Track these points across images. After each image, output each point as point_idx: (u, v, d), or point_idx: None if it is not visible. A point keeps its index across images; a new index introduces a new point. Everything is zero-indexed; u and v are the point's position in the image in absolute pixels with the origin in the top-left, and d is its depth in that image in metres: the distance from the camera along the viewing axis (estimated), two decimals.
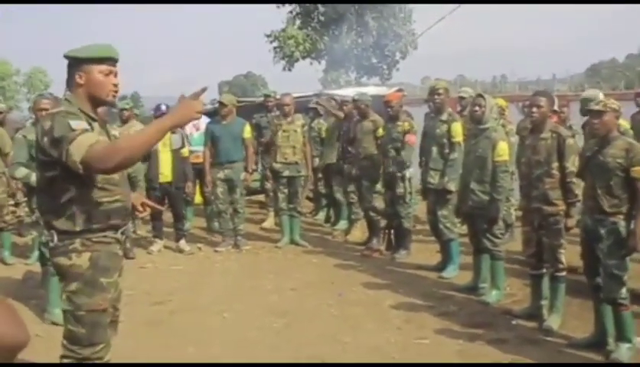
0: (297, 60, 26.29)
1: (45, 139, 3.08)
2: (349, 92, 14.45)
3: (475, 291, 6.48)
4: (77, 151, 2.95)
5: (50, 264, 5.54)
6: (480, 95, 6.37)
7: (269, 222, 10.22)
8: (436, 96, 7.14)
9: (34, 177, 5.54)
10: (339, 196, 9.70)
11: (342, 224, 9.87)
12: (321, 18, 25.96)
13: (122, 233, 3.40)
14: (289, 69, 26.63)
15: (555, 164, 5.35)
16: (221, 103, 8.60)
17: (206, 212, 10.16)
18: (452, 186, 6.88)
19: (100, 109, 3.39)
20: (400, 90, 11.05)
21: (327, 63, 27.03)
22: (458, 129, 6.97)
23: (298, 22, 26.61)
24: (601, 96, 6.68)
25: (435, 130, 7.05)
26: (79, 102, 3.23)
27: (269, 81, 69.97)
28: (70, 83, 3.29)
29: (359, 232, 9.25)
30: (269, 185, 10.12)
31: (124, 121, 8.89)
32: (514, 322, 5.67)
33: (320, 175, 10.16)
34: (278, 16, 41.80)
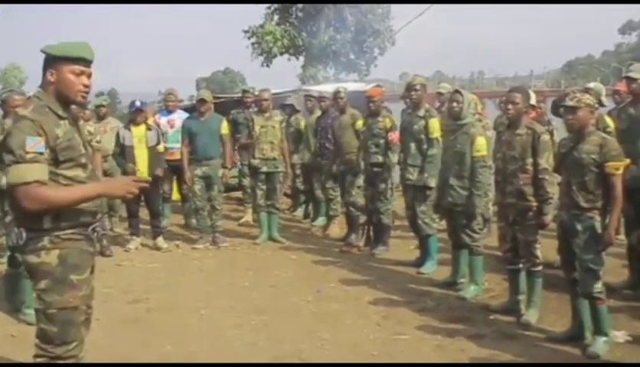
0: (275, 56, 26.13)
1: (2, 138, 3.09)
2: (328, 88, 14.43)
3: (453, 286, 6.51)
4: (14, 175, 3.02)
5: (21, 267, 5.51)
6: (457, 91, 6.37)
7: (247, 218, 10.18)
8: (413, 92, 7.13)
9: (3, 180, 5.41)
10: (318, 192, 9.67)
11: (321, 220, 9.85)
12: (299, 14, 25.81)
13: (94, 230, 3.35)
14: (267, 66, 26.45)
15: (529, 160, 5.37)
16: (202, 100, 8.54)
17: (183, 210, 10.09)
18: (432, 182, 6.88)
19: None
20: (378, 86, 11.05)
21: (305, 59, 26.91)
22: (435, 125, 6.97)
23: (276, 18, 26.43)
24: (603, 92, 6.77)
25: (413, 126, 7.05)
26: (48, 99, 3.20)
27: (248, 77, 69.72)
28: (43, 79, 3.25)
29: (337, 228, 9.25)
30: (246, 181, 10.06)
31: (100, 118, 8.81)
32: (492, 317, 5.68)
33: (298, 171, 10.12)
34: (256, 11, 41.49)
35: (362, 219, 8.41)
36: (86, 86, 3.25)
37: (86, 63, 3.24)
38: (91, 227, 3.31)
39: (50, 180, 3.11)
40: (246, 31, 26.65)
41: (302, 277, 7.08)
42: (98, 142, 8.02)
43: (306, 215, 10.41)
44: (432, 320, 5.63)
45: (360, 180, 8.35)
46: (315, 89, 13.79)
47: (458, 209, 6.22)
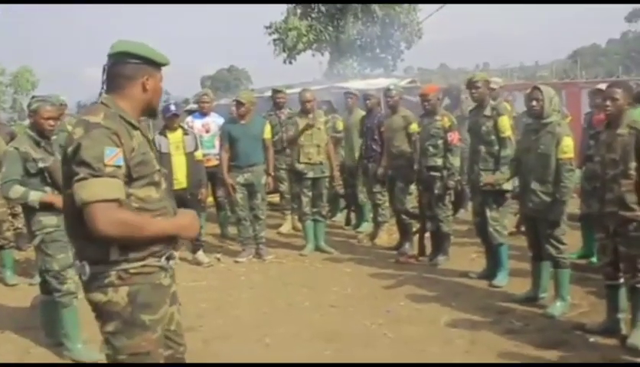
0: (299, 52, 25.42)
1: (70, 150, 2.68)
2: (357, 84, 13.86)
3: (534, 302, 5.90)
4: (89, 192, 2.60)
5: (58, 295, 4.91)
6: (536, 88, 5.73)
7: (287, 227, 9.59)
8: (474, 90, 6.55)
9: (31, 196, 4.82)
10: (362, 197, 9.06)
11: (365, 226, 9.28)
12: (322, 8, 25.05)
13: (169, 258, 2.87)
14: (290, 62, 25.77)
15: (633, 164, 4.73)
16: (238, 102, 7.91)
17: (219, 218, 9.50)
18: (507, 186, 6.27)
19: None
20: (412, 82, 10.49)
21: (331, 55, 26.19)
22: (505, 123, 6.35)
23: (298, 12, 25.66)
24: None
25: (481, 127, 6.42)
26: (122, 106, 2.80)
27: (253, 75, 69.27)
28: (120, 84, 2.84)
29: (386, 236, 8.68)
30: (284, 186, 9.47)
31: None
32: (591, 339, 5.06)
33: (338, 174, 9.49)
34: (268, 7, 40.86)
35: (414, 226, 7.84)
36: None
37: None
38: (165, 256, 2.83)
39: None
40: (268, 27, 25.93)
41: (365, 295, 6.47)
42: None
43: (348, 222, 9.80)
44: (524, 345, 5.00)
45: (412, 186, 7.79)
46: (343, 85, 13.21)
47: (540, 217, 5.61)
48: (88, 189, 2.58)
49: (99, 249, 2.68)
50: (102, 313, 2.79)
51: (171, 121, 7.56)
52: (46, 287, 5.08)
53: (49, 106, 5.11)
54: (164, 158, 7.40)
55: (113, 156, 2.62)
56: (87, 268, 2.73)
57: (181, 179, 7.50)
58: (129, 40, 2.86)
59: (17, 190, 4.88)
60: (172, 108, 7.71)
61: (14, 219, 8.34)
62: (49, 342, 5.22)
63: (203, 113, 9.03)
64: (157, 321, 2.82)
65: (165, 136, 7.52)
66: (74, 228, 2.76)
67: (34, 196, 4.84)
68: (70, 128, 6.66)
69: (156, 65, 2.88)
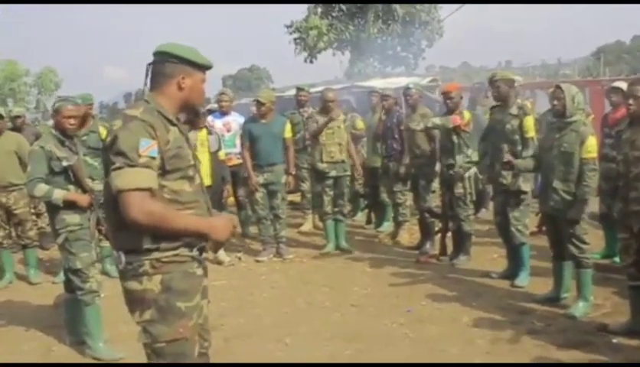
0: (320, 51, 25.35)
1: (109, 140, 2.80)
2: (377, 83, 13.83)
3: (556, 302, 5.84)
4: (124, 180, 2.69)
5: (81, 293, 4.95)
6: (558, 87, 5.69)
7: (308, 226, 9.59)
8: (494, 89, 6.51)
9: (55, 194, 4.86)
10: (384, 196, 9.04)
11: (386, 226, 9.25)
12: (343, 7, 24.97)
13: (201, 250, 2.92)
14: (311, 61, 25.71)
15: None
16: (258, 101, 7.92)
17: (239, 217, 9.52)
18: (527, 187, 6.23)
19: None
20: (433, 80, 10.45)
21: (351, 54, 26.09)
22: (530, 123, 6.30)
23: (319, 11, 25.59)
24: None
25: (505, 125, 6.37)
26: (162, 103, 2.90)
27: (274, 74, 69.31)
28: (159, 82, 2.94)
29: (407, 235, 8.64)
30: (305, 186, 9.47)
31: None
32: (614, 340, 5.00)
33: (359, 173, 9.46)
34: (290, 6, 40.83)
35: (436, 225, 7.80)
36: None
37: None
38: (197, 247, 2.88)
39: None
40: (288, 26, 25.93)
41: (385, 294, 6.45)
42: None
43: (369, 221, 9.78)
44: (546, 346, 4.95)
45: (435, 184, 7.77)
46: (364, 84, 13.19)
47: (561, 216, 5.56)
48: (123, 178, 2.67)
49: (132, 238, 2.76)
50: (138, 301, 2.83)
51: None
52: (69, 286, 5.14)
53: (70, 105, 5.16)
54: None
55: (148, 147, 2.71)
56: (123, 257, 2.81)
57: (204, 177, 7.51)
58: (173, 43, 2.97)
59: (41, 188, 4.94)
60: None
61: (38, 218, 8.44)
62: (71, 340, 5.27)
63: (223, 112, 9.07)
64: (192, 308, 2.87)
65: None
66: (111, 217, 2.86)
67: (58, 195, 4.89)
68: (102, 129, 6.75)
69: (196, 66, 2.94)
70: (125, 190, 2.66)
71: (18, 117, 8.79)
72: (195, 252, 2.90)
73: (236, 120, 8.96)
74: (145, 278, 2.80)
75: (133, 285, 2.83)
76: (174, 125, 2.90)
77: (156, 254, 2.79)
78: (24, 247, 7.51)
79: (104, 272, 6.98)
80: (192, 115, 3.13)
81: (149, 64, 2.95)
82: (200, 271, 2.95)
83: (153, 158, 2.72)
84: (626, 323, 5.16)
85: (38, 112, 37.11)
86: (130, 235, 2.76)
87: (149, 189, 2.68)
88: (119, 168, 2.69)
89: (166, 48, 2.93)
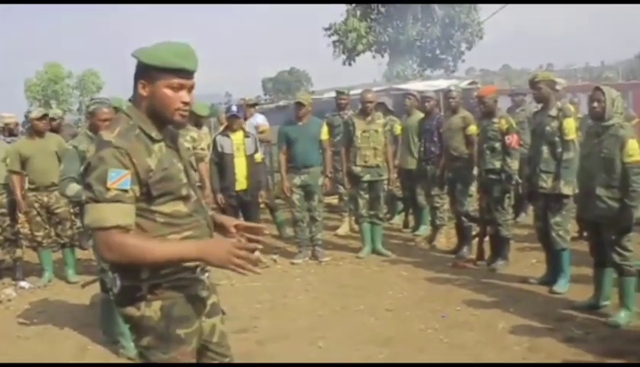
0: (359, 54, 25.25)
1: (82, 168, 2.59)
2: (416, 86, 13.72)
3: (596, 310, 5.70)
4: (90, 217, 2.46)
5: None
6: (598, 89, 5.54)
7: (344, 229, 9.55)
8: (535, 90, 6.39)
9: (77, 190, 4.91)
10: (421, 199, 8.96)
11: (423, 229, 9.16)
12: (382, 9, 24.85)
13: (204, 270, 2.71)
14: (350, 64, 25.65)
15: None
16: (299, 103, 7.90)
17: (275, 219, 9.53)
18: (568, 190, 6.10)
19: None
20: (472, 83, 10.31)
21: (390, 56, 25.96)
22: (571, 125, 6.15)
23: (358, 14, 25.49)
24: None
25: (545, 127, 6.24)
26: (139, 117, 2.59)
27: (313, 76, 69.39)
28: (134, 92, 2.63)
29: (444, 239, 8.56)
30: (342, 188, 9.43)
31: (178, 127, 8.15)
32: None
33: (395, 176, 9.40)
34: (325, 9, 40.84)
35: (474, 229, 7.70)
36: (186, 103, 2.61)
37: (188, 74, 2.59)
38: (200, 268, 2.69)
39: (145, 220, 2.54)
40: (327, 29, 25.89)
41: (421, 298, 6.38)
42: (202, 150, 7.41)
43: (406, 224, 9.70)
44: (585, 354, 4.83)
45: (473, 188, 7.66)
46: (403, 87, 13.09)
47: (606, 223, 5.42)
48: (89, 215, 2.46)
49: (129, 268, 2.54)
50: (135, 327, 2.66)
51: (231, 122, 7.62)
52: (104, 285, 5.16)
53: (105, 108, 5.22)
54: (226, 159, 7.48)
55: (119, 178, 2.44)
56: (118, 282, 2.59)
57: (241, 180, 7.57)
58: (155, 44, 2.63)
59: (73, 188, 4.99)
60: (233, 108, 7.80)
61: (77, 218, 8.53)
62: (106, 339, 5.31)
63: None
64: (192, 333, 2.69)
65: (228, 137, 7.58)
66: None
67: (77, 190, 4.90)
68: None
69: (157, 69, 2.54)
70: (92, 228, 2.47)
71: (54, 119, 8.91)
72: (198, 273, 2.69)
73: (250, 123, 8.97)
74: (143, 304, 2.58)
75: (130, 311, 2.61)
76: (157, 141, 2.60)
77: (156, 280, 2.57)
78: (63, 246, 7.60)
79: None
80: (173, 127, 2.65)
81: None
82: (204, 293, 2.75)
83: (124, 191, 2.45)
84: None
85: (81, 113, 37.77)
86: (126, 268, 2.56)
87: (117, 227, 2.43)
88: (87, 203, 2.48)
89: (135, 51, 2.60)
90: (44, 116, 7.58)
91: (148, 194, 2.53)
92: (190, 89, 2.62)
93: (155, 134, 2.59)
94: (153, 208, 2.56)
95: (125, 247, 2.43)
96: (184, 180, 2.67)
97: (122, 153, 2.46)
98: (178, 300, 2.63)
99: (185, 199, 2.65)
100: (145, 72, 2.56)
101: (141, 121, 2.58)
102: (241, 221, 3.04)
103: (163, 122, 2.62)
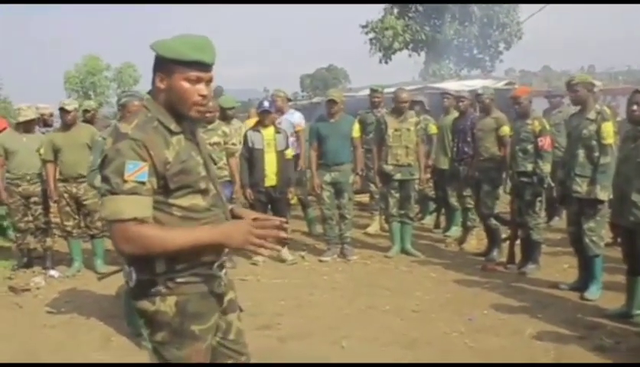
0: (395, 52, 25.07)
1: (99, 160, 2.56)
2: (452, 85, 13.58)
3: (628, 319, 5.54)
4: (108, 210, 2.43)
5: None
6: (638, 91, 5.40)
7: (374, 227, 9.48)
8: (572, 94, 6.26)
9: (97, 180, 4.91)
10: (453, 200, 8.85)
11: (454, 230, 9.05)
12: (419, 8, 24.65)
13: (221, 266, 2.68)
14: (386, 62, 25.47)
15: None
16: (331, 100, 7.84)
17: (306, 216, 9.49)
18: (604, 195, 5.95)
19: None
20: (510, 84, 10.15)
21: (427, 55, 25.74)
22: (609, 129, 6.00)
23: (395, 12, 25.31)
24: None
25: (582, 130, 6.09)
26: (157, 109, 2.57)
27: (351, 74, 69.23)
28: (153, 85, 2.61)
29: (475, 241, 8.44)
30: (373, 186, 9.36)
31: (224, 119, 8.14)
32: None
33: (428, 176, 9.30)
34: (364, 7, 40.72)
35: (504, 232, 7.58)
36: (204, 96, 2.57)
37: (205, 67, 2.55)
38: (217, 264, 2.66)
39: (162, 213, 2.51)
40: (364, 26, 25.74)
41: (448, 300, 6.28)
42: (234, 145, 7.39)
43: (437, 225, 9.60)
44: (615, 364, 4.71)
45: (500, 190, 7.55)
46: (439, 86, 12.96)
47: None
48: (107, 208, 2.43)
49: (144, 260, 2.51)
50: (150, 322, 2.63)
51: (262, 117, 7.60)
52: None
53: (137, 101, 5.24)
54: (256, 154, 7.47)
55: (136, 171, 2.41)
56: (134, 275, 2.56)
57: (271, 176, 7.55)
58: (175, 36, 2.60)
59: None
60: (265, 104, 7.77)
61: None
62: (130, 331, 5.32)
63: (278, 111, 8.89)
64: (207, 330, 2.67)
65: (259, 132, 7.57)
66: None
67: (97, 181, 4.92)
68: None
69: (174, 61, 2.51)
70: (109, 221, 2.44)
71: (87, 111, 8.97)
72: (215, 269, 2.66)
73: (287, 119, 8.90)
74: (158, 299, 2.56)
75: (145, 305, 2.59)
76: (175, 133, 2.57)
77: (172, 275, 2.54)
78: (92, 237, 7.66)
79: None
80: (189, 122, 2.60)
81: None
82: (220, 289, 2.71)
83: (142, 183, 2.42)
84: None
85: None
86: (142, 262, 2.53)
87: (135, 219, 2.40)
88: (104, 195, 2.46)
89: (153, 44, 2.57)
90: (73, 108, 7.57)
91: (165, 187, 2.51)
92: (208, 81, 2.58)
93: (173, 126, 2.57)
94: (171, 201, 2.53)
95: (145, 238, 2.41)
96: (203, 173, 2.63)
97: (140, 145, 2.43)
98: (193, 296, 2.60)
99: (204, 192, 2.62)
100: (163, 64, 2.53)
101: (159, 113, 2.56)
102: (260, 214, 3.00)
103: (181, 115, 2.59)
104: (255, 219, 2.76)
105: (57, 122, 9.48)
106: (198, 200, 2.60)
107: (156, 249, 2.44)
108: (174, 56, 2.49)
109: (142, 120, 2.53)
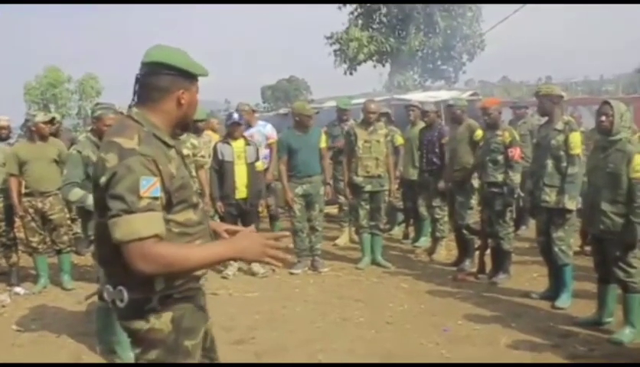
0: (360, 63, 25.20)
1: (103, 179, 2.37)
2: (417, 96, 13.67)
3: (599, 326, 5.62)
4: (125, 230, 2.29)
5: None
6: (606, 103, 5.48)
7: (344, 239, 9.47)
8: (540, 103, 6.35)
9: (89, 199, 4.80)
10: (423, 210, 8.89)
11: (423, 241, 9.09)
12: (384, 19, 24.86)
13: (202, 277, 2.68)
14: (351, 73, 25.59)
15: None
16: (306, 116, 7.81)
17: (273, 229, 9.44)
18: (572, 205, 6.03)
19: None
20: (474, 94, 10.27)
21: (391, 66, 25.91)
22: (577, 140, 6.09)
23: (360, 23, 25.47)
24: None
25: (550, 141, 6.17)
26: (157, 122, 2.53)
27: (312, 85, 69.35)
28: (153, 98, 2.54)
29: (445, 252, 8.48)
30: (342, 198, 9.35)
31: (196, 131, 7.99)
32: None
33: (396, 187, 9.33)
34: (330, 18, 40.90)
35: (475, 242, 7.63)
36: None
37: None
38: (203, 278, 2.65)
39: None
40: (328, 37, 25.85)
41: (421, 311, 6.29)
42: (202, 157, 7.28)
43: (406, 236, 9.63)
44: None
45: (473, 201, 7.59)
46: (404, 97, 13.04)
47: (611, 239, 5.34)
48: (122, 228, 2.30)
49: (142, 280, 2.39)
50: (142, 341, 2.53)
51: (232, 129, 7.54)
52: (101, 293, 5.07)
53: (112, 114, 5.20)
54: (226, 166, 7.41)
55: (150, 186, 2.34)
56: (125, 294, 2.46)
57: (242, 188, 7.49)
58: (165, 48, 2.58)
59: (76, 193, 4.97)
60: (235, 116, 7.71)
61: (73, 223, 8.44)
62: (102, 349, 5.21)
63: (247, 125, 8.85)
64: (197, 345, 2.64)
65: (229, 144, 7.51)
66: (110, 255, 2.43)
67: (89, 201, 4.85)
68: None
69: (193, 77, 2.58)
70: (125, 242, 2.30)
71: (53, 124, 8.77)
72: (202, 282, 2.66)
73: (260, 130, 8.86)
74: (153, 316, 2.48)
75: (137, 324, 2.50)
76: (171, 147, 2.55)
77: (168, 291, 2.48)
78: (59, 252, 7.50)
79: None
80: (183, 131, 2.66)
81: (139, 76, 2.56)
82: (203, 300, 2.71)
83: (155, 199, 2.35)
84: None
85: (79, 117, 37.62)
86: (139, 283, 2.42)
87: (155, 236, 2.31)
88: (117, 216, 2.31)
89: (160, 57, 2.52)
90: (52, 120, 7.45)
91: (168, 202, 2.45)
92: None
93: (168, 140, 2.54)
94: (170, 216, 2.46)
95: (165, 256, 2.32)
96: (194, 188, 2.64)
97: (150, 160, 2.37)
98: (187, 310, 2.57)
99: (195, 206, 2.59)
100: (185, 79, 2.56)
101: (154, 128, 2.51)
102: (230, 226, 2.97)
103: (182, 128, 2.70)
104: (227, 231, 2.84)
105: (14, 136, 9.28)
106: (191, 215, 2.56)
107: (177, 267, 2.36)
108: (199, 72, 2.59)
109: (143, 134, 2.45)
